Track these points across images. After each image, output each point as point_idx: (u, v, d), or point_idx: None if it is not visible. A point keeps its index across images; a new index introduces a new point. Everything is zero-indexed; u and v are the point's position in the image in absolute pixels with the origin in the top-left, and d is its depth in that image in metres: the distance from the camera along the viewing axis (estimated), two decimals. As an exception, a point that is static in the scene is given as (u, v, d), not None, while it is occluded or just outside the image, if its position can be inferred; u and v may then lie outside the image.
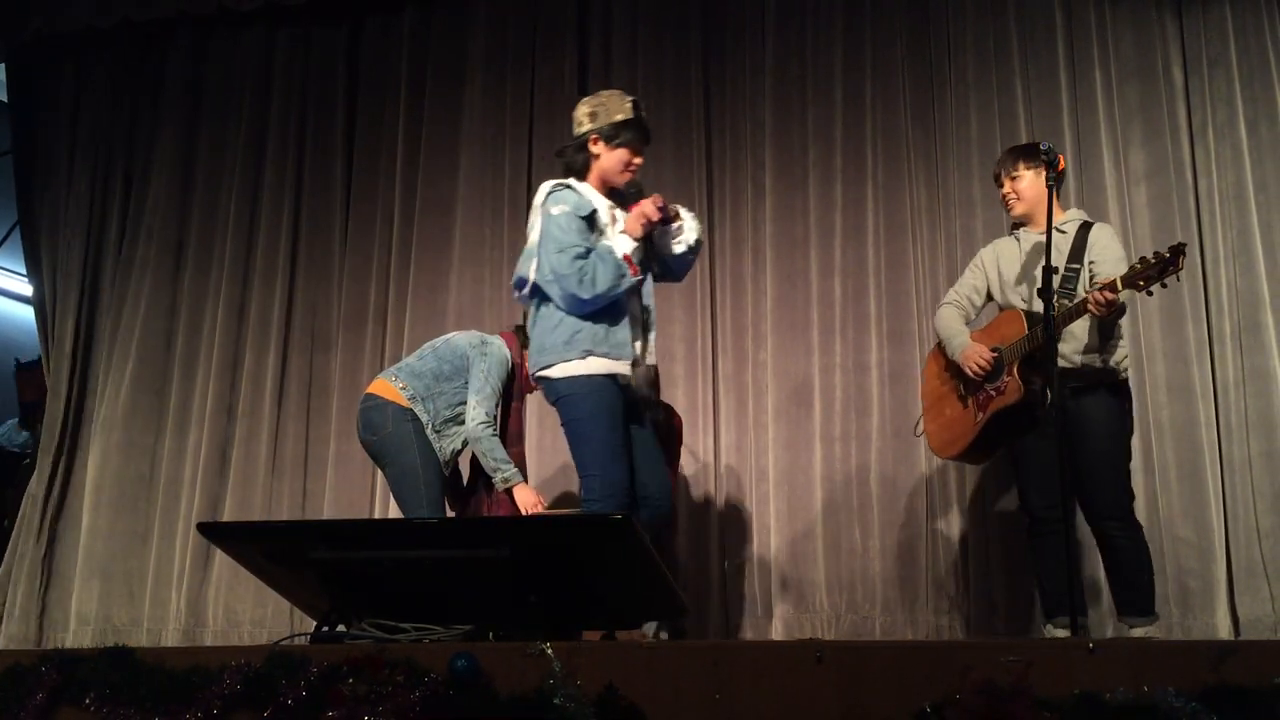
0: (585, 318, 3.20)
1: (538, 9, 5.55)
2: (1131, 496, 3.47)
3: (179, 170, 5.81)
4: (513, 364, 4.11)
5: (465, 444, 4.04)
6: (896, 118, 5.02)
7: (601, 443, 3.18)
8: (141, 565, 5.33)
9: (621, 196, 3.38)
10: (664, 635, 3.75)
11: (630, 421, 3.28)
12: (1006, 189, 3.63)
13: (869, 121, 5.05)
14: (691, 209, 3.48)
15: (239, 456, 5.38)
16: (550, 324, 3.24)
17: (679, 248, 3.35)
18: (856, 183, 5.01)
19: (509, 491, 3.97)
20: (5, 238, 6.95)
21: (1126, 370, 3.53)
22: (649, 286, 3.39)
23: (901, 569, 4.60)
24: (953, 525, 4.61)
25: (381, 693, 2.01)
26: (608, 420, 3.18)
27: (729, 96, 5.25)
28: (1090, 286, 3.38)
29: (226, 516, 5.23)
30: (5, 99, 6.40)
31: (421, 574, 2.50)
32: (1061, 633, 3.38)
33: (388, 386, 4.01)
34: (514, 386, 4.12)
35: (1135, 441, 4.36)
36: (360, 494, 5.21)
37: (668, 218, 3.29)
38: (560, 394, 3.23)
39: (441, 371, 4.03)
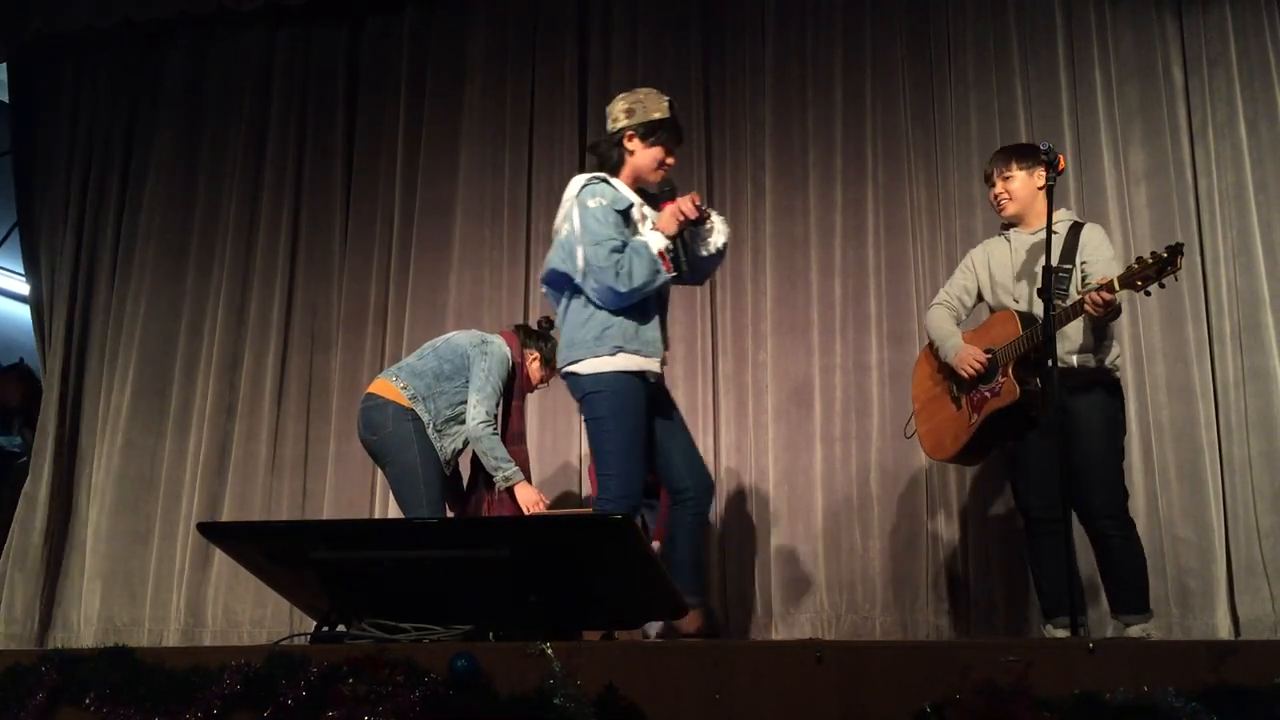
0: (616, 313, 3.19)
1: (538, 9, 5.55)
2: (1126, 495, 3.47)
3: (179, 170, 5.81)
4: (513, 363, 4.12)
5: (466, 443, 4.04)
6: (896, 118, 5.02)
7: (621, 444, 3.18)
8: (143, 565, 5.34)
9: (651, 195, 3.39)
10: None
11: (662, 418, 3.30)
12: (999, 189, 3.62)
13: (869, 121, 5.05)
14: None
15: (238, 456, 5.39)
16: (580, 319, 3.23)
17: (708, 249, 3.34)
18: (856, 183, 5.01)
19: (510, 491, 3.97)
20: (5, 238, 6.95)
21: (1119, 369, 3.52)
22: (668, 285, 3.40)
23: (901, 569, 4.60)
24: (953, 525, 4.61)
25: (381, 693, 2.00)
26: (630, 421, 3.18)
27: (729, 96, 5.25)
28: (1083, 287, 3.38)
29: (226, 516, 5.24)
30: (5, 99, 6.40)
31: (421, 574, 2.50)
32: (1061, 633, 3.37)
33: (388, 386, 4.01)
34: (514, 385, 4.12)
35: (1135, 442, 4.39)
36: (360, 494, 5.21)
37: (702, 217, 3.29)
38: (586, 390, 3.22)
39: (442, 371, 4.03)
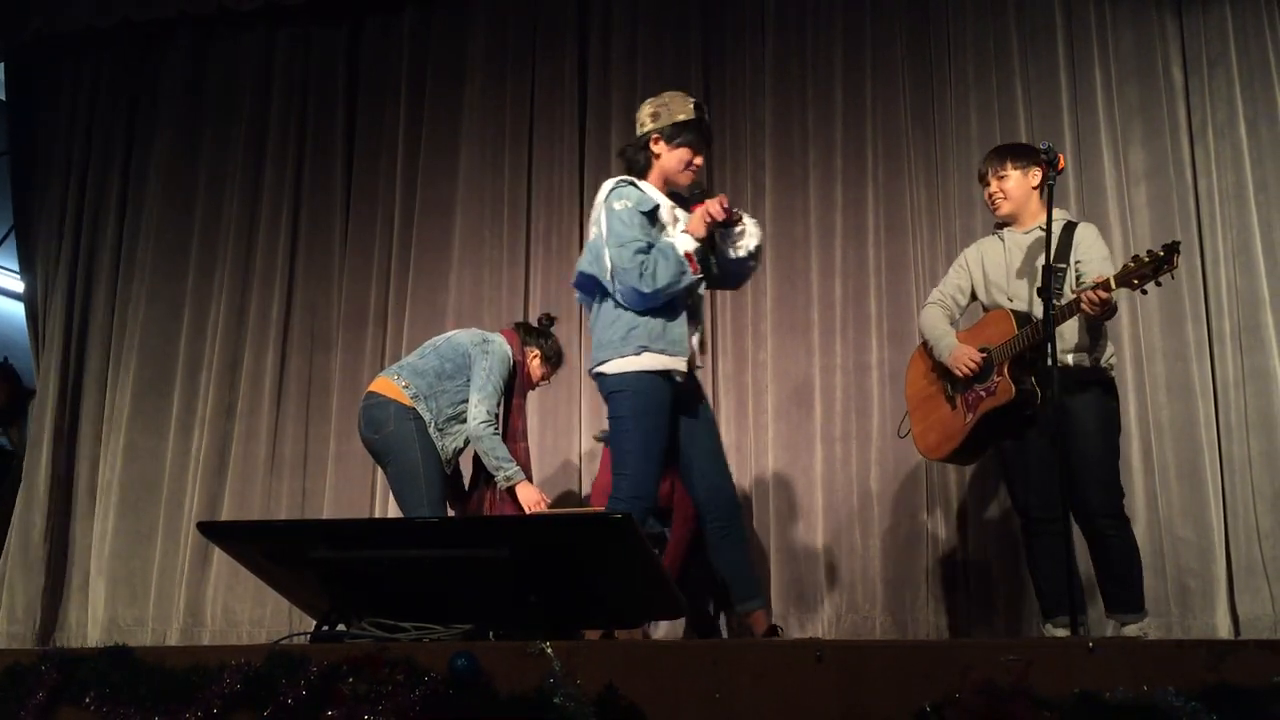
0: (642, 314, 3.22)
1: (538, 9, 5.55)
2: (1123, 494, 3.47)
3: (179, 171, 5.82)
4: (514, 361, 4.12)
5: (467, 442, 4.04)
6: (896, 118, 5.02)
7: (638, 444, 3.20)
8: (146, 565, 5.34)
9: (683, 198, 3.39)
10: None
11: (690, 421, 3.31)
12: (993, 188, 3.61)
13: (869, 122, 5.05)
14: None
15: (239, 456, 5.39)
16: (608, 320, 3.27)
17: (738, 252, 3.33)
18: (857, 183, 5.01)
19: (511, 490, 3.97)
20: (4, 238, 6.95)
21: (1114, 368, 3.52)
22: (702, 288, 3.39)
23: (901, 569, 4.60)
24: (953, 525, 4.61)
25: (381, 692, 2.00)
26: (650, 421, 3.20)
27: (729, 96, 5.25)
28: (1077, 286, 3.37)
29: (226, 516, 5.24)
30: (3, 98, 6.40)
31: (421, 573, 2.50)
32: (1061, 632, 3.37)
33: (390, 385, 4.01)
34: (515, 383, 4.12)
35: (1135, 441, 4.39)
36: (360, 493, 5.21)
37: (731, 219, 3.28)
38: (610, 390, 3.25)
39: (443, 370, 4.03)
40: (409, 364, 4.10)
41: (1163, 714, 1.82)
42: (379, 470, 4.55)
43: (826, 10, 5.20)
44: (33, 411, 5.70)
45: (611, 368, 3.23)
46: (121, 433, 5.51)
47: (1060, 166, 3.28)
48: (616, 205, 3.25)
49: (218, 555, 5.14)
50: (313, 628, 2.63)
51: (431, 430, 3.95)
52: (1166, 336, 4.50)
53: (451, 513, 4.13)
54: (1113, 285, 3.18)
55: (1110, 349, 3.50)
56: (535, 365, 4.22)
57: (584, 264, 3.33)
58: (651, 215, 3.28)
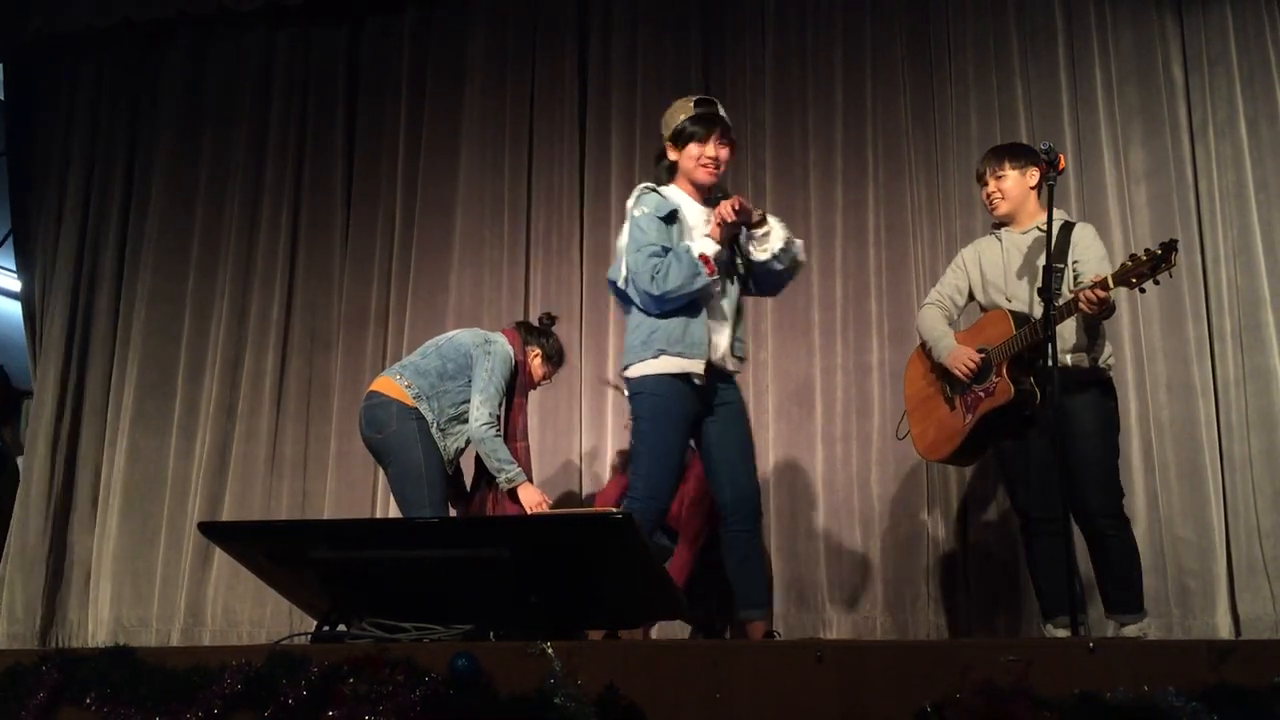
0: (663, 317, 3.24)
1: (537, 9, 5.55)
2: (1122, 494, 3.47)
3: (180, 171, 5.82)
4: (515, 361, 4.11)
5: (468, 442, 4.04)
6: (897, 118, 5.02)
7: (653, 446, 3.24)
8: (150, 566, 5.34)
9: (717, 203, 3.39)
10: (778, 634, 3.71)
11: (716, 424, 3.29)
12: (991, 188, 3.61)
13: (869, 122, 5.05)
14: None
15: (239, 457, 5.39)
16: (633, 325, 3.32)
17: (761, 255, 3.30)
18: (857, 183, 5.01)
19: (513, 492, 3.97)
20: (5, 238, 6.95)
21: (1112, 368, 3.52)
22: (733, 291, 3.36)
23: (902, 569, 4.60)
24: (953, 525, 4.61)
25: (382, 692, 2.00)
26: (666, 424, 3.23)
27: (729, 97, 5.23)
28: (1074, 286, 3.37)
29: (226, 517, 5.24)
30: (2, 98, 6.40)
31: (422, 574, 2.50)
32: (1061, 633, 3.37)
33: (392, 384, 4.00)
34: (517, 383, 4.12)
35: (1135, 440, 4.39)
36: (361, 494, 5.21)
37: (743, 221, 3.25)
38: (632, 392, 3.31)
39: (445, 370, 4.03)
40: (411, 364, 4.09)
41: (1163, 714, 1.82)
42: (380, 471, 4.55)
43: (826, 10, 5.20)
44: (27, 411, 5.69)
45: (633, 371, 3.29)
46: (125, 433, 5.51)
47: (1061, 166, 3.27)
48: (636, 212, 3.32)
49: (218, 555, 5.14)
50: (313, 628, 2.64)
51: (434, 430, 3.95)
52: (1167, 335, 4.50)
53: (453, 513, 4.12)
54: (1111, 284, 3.18)
55: (1108, 349, 3.50)
56: (536, 365, 4.22)
57: (611, 272, 3.41)
58: (669, 218, 3.30)
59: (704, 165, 3.33)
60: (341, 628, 2.59)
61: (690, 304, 3.26)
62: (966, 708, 1.86)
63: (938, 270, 4.77)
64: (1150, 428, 4.43)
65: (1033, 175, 3.58)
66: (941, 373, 3.63)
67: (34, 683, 2.23)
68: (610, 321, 5.12)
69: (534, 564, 2.41)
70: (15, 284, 6.55)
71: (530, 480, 4.04)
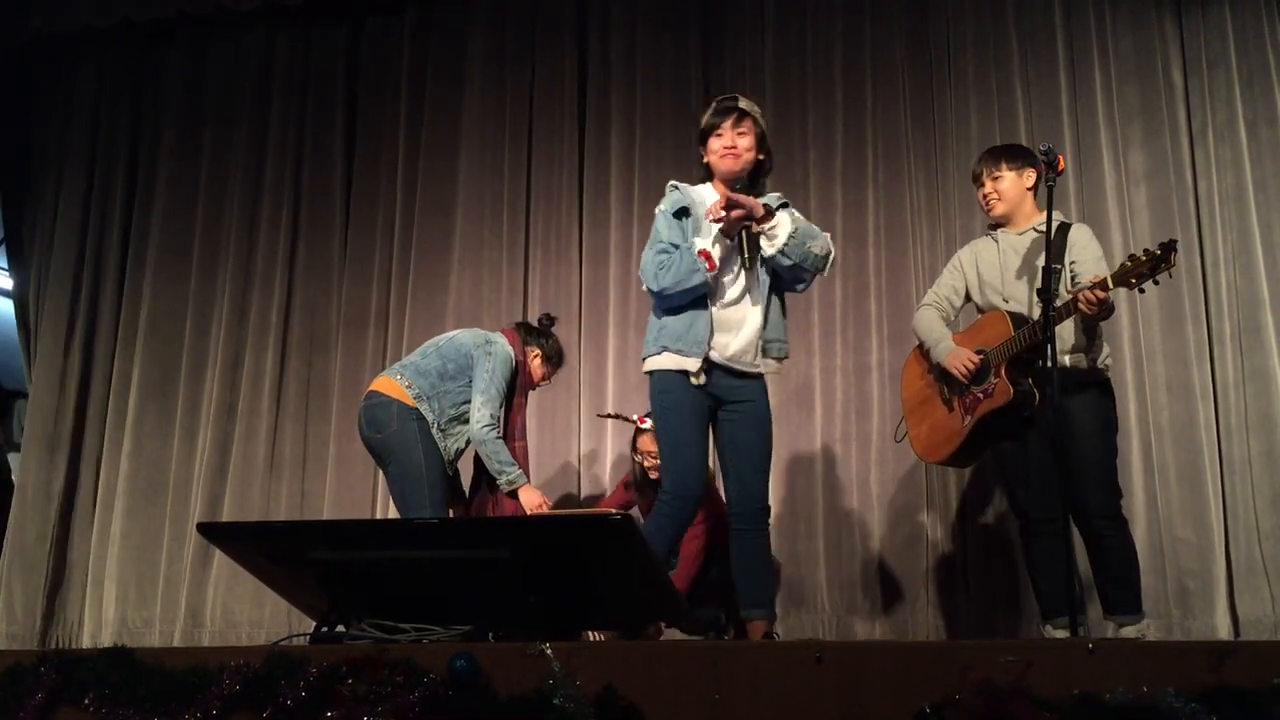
0: (671, 314, 3.28)
1: (537, 9, 5.56)
2: (1120, 495, 3.46)
3: (180, 172, 5.82)
4: (515, 361, 4.11)
5: (468, 442, 4.03)
6: (896, 118, 5.02)
7: (667, 440, 3.30)
8: (153, 568, 5.34)
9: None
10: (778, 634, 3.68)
11: (730, 423, 3.28)
12: (988, 189, 3.61)
13: (869, 122, 5.05)
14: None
15: (239, 457, 5.39)
16: (650, 321, 3.39)
17: (769, 249, 3.23)
18: (856, 184, 5.01)
19: (513, 493, 3.96)
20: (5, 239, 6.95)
21: (1110, 369, 3.52)
22: (759, 289, 3.28)
23: (901, 570, 4.60)
24: (952, 526, 4.61)
25: (381, 693, 2.00)
26: (673, 418, 3.26)
27: (728, 97, 5.25)
28: (1072, 287, 3.37)
29: (226, 517, 5.24)
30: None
31: (421, 574, 2.50)
32: (1060, 633, 3.37)
33: (393, 384, 3.99)
34: (517, 383, 4.12)
35: (1135, 442, 4.39)
36: (361, 495, 5.21)
37: (746, 217, 3.18)
38: (649, 388, 3.37)
39: (446, 370, 4.02)
40: (411, 364, 4.08)
41: (1162, 715, 1.82)
42: (379, 471, 4.54)
43: (826, 10, 5.21)
44: (19, 411, 5.69)
45: (645, 366, 3.36)
46: (127, 434, 5.51)
47: (1060, 168, 3.27)
48: (657, 211, 3.40)
49: (219, 556, 5.14)
50: (312, 629, 2.63)
51: (434, 431, 3.95)
52: (1166, 337, 4.50)
53: (451, 513, 4.12)
54: (1110, 285, 3.18)
55: (1106, 349, 3.50)
56: (536, 365, 4.21)
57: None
58: (680, 215, 3.32)
59: (724, 155, 3.31)
60: (340, 628, 2.58)
61: (699, 301, 3.25)
62: (966, 708, 1.86)
63: (937, 271, 4.76)
64: (1150, 429, 4.43)
65: (1029, 176, 3.59)
66: (939, 374, 3.63)
67: (32, 683, 2.22)
68: (610, 322, 5.12)
69: (533, 565, 2.41)
70: (5, 282, 6.57)
71: (529, 481, 4.03)
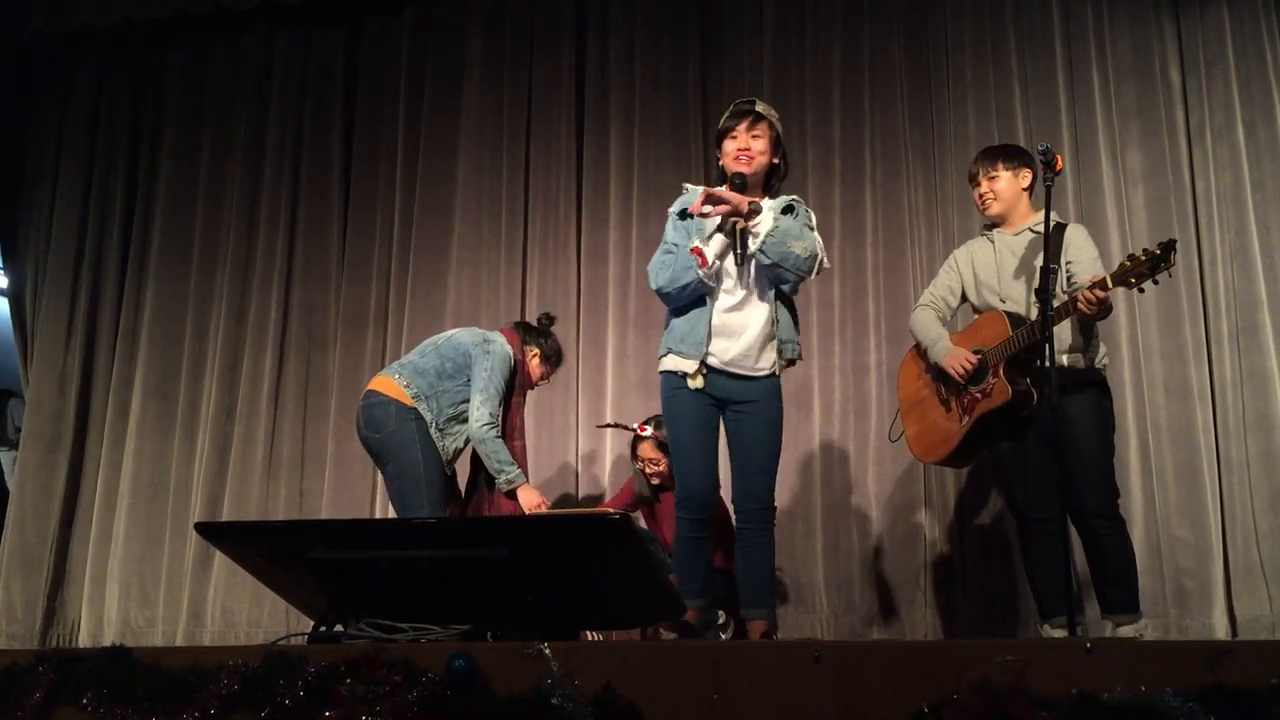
0: (677, 315, 3.32)
1: (535, 9, 5.56)
2: (1118, 494, 3.47)
3: (179, 171, 5.81)
4: (514, 361, 4.11)
5: (467, 442, 4.03)
6: (894, 119, 5.03)
7: (673, 444, 3.36)
8: (155, 568, 5.33)
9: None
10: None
11: (735, 425, 3.28)
12: (984, 189, 3.61)
13: (867, 122, 5.05)
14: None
15: (239, 458, 5.38)
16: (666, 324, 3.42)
17: (752, 246, 3.22)
18: (854, 184, 5.01)
19: (511, 493, 3.96)
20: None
21: (1107, 368, 3.52)
22: (763, 291, 3.27)
23: (900, 570, 4.60)
24: (950, 526, 4.61)
25: (379, 693, 2.00)
26: (679, 421, 3.30)
27: (726, 96, 5.23)
28: (1068, 287, 3.38)
29: (225, 517, 5.23)
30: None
31: (419, 574, 2.50)
32: (1058, 633, 3.37)
33: (391, 384, 3.99)
34: (515, 382, 4.12)
35: (1133, 442, 4.39)
36: (360, 494, 5.21)
37: (731, 213, 3.19)
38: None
39: (444, 369, 4.02)
40: (409, 363, 4.08)
41: (1160, 715, 1.82)
42: (377, 470, 4.54)
43: (825, 10, 5.21)
44: (11, 410, 5.68)
45: (659, 368, 3.38)
46: (128, 435, 5.50)
47: (1058, 167, 3.27)
48: (669, 212, 3.44)
49: (219, 556, 5.14)
50: (310, 628, 2.63)
51: (433, 430, 3.94)
52: (1164, 337, 4.51)
53: (449, 513, 4.11)
54: (1109, 284, 3.18)
55: (1103, 349, 3.51)
56: (535, 364, 4.21)
57: None
58: (683, 215, 3.35)
59: (736, 157, 3.32)
60: (339, 628, 2.58)
61: (700, 302, 3.27)
62: (964, 708, 1.86)
63: (935, 271, 4.75)
64: (1148, 429, 4.44)
65: (1025, 176, 3.59)
66: (936, 374, 3.63)
67: (30, 683, 2.22)
68: (609, 322, 5.12)
69: (531, 564, 2.41)
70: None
71: (528, 480, 4.03)
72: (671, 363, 3.29)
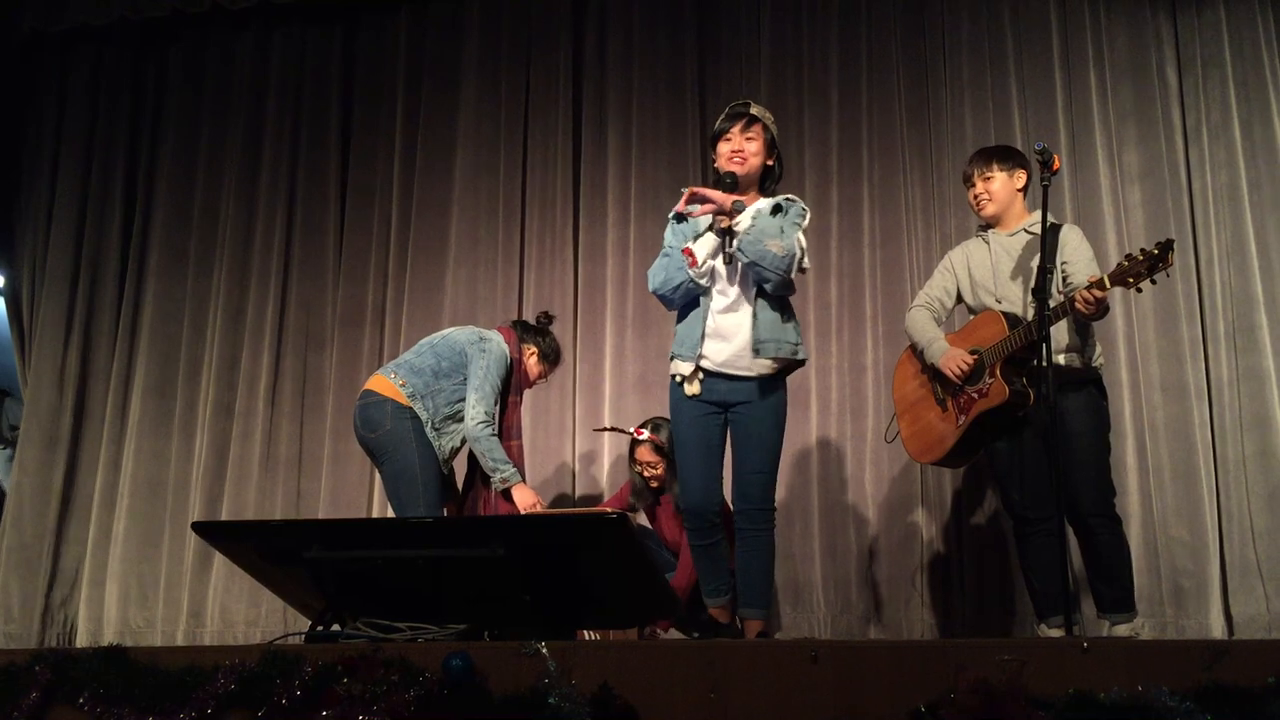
0: (680, 319, 3.35)
1: (532, 7, 5.55)
2: (1114, 492, 3.47)
3: (176, 170, 5.80)
4: (511, 359, 4.10)
5: (464, 441, 4.03)
6: (892, 118, 5.03)
7: (678, 445, 3.37)
8: (154, 567, 5.32)
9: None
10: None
11: (736, 427, 3.28)
12: (979, 189, 3.61)
13: (864, 122, 5.05)
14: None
15: (237, 457, 5.37)
16: None
17: (731, 247, 3.21)
18: (852, 183, 5.01)
19: (507, 492, 3.96)
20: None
21: (1103, 367, 3.53)
22: (747, 290, 3.25)
23: (897, 569, 4.60)
24: (947, 525, 4.61)
25: (376, 692, 2.00)
26: (680, 425, 3.33)
27: (724, 95, 5.23)
28: (1063, 287, 3.38)
29: (224, 517, 5.22)
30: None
31: (416, 573, 2.50)
32: (1055, 632, 3.38)
33: (387, 383, 3.99)
34: (512, 381, 4.11)
35: (1130, 441, 4.40)
36: (356, 493, 5.20)
37: (719, 211, 3.19)
38: None
39: (440, 368, 4.01)
40: (406, 362, 4.08)
41: (1157, 714, 1.83)
42: (375, 470, 4.53)
43: (822, 10, 5.21)
44: (7, 410, 5.66)
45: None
46: (128, 435, 5.48)
47: (1055, 167, 3.27)
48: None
49: (217, 555, 5.13)
50: (307, 628, 2.63)
51: (428, 429, 3.94)
52: (1161, 337, 4.51)
53: (445, 513, 4.11)
54: (1107, 284, 3.18)
55: (1099, 348, 3.51)
56: (532, 363, 4.21)
57: None
58: (679, 219, 3.37)
59: (730, 159, 3.33)
60: (336, 627, 2.58)
61: (694, 304, 3.29)
62: (961, 707, 1.87)
63: (932, 270, 4.77)
64: (1144, 429, 4.44)
65: (1020, 177, 3.59)
66: (932, 375, 3.63)
67: (26, 682, 2.22)
68: (607, 321, 5.12)
69: (528, 564, 2.41)
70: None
71: (524, 480, 4.03)
72: (673, 367, 3.32)
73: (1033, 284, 3.34)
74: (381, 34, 5.77)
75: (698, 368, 3.25)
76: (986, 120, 4.88)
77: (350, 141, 5.70)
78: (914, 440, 3.73)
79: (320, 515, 5.11)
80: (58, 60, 6.02)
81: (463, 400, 3.98)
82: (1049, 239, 3.35)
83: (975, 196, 3.63)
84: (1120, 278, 3.17)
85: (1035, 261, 3.33)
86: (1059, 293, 3.35)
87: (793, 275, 3.24)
